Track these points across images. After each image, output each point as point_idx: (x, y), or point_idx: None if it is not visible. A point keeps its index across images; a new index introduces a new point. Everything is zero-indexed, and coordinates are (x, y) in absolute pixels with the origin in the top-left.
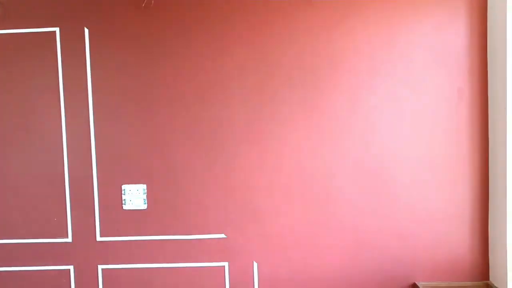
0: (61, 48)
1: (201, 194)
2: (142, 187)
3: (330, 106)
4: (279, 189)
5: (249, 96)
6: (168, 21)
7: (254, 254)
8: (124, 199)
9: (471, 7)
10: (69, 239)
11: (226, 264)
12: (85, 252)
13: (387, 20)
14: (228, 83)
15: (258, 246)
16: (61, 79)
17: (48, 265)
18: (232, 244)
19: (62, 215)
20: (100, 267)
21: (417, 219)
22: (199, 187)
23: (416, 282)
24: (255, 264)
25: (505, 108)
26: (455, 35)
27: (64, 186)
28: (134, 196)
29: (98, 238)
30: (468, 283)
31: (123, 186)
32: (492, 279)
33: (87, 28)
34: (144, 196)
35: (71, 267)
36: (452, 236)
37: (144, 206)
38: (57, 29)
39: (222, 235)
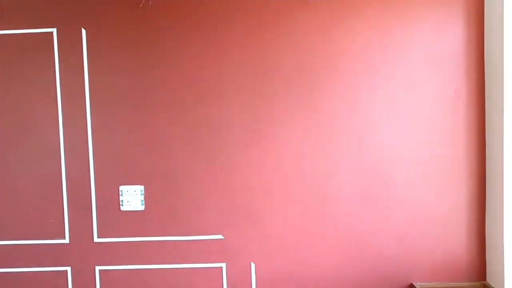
0: (58, 49)
1: (199, 195)
2: (139, 188)
3: (328, 107)
4: (277, 190)
5: (247, 97)
6: (166, 22)
7: (252, 255)
8: (122, 200)
9: (468, 8)
10: (66, 240)
11: (223, 265)
12: (82, 253)
13: (385, 21)
14: (226, 84)
15: (256, 247)
16: (58, 80)
17: (45, 266)
18: (230, 245)
19: (59, 216)
20: (97, 268)
21: (414, 220)
22: (197, 188)
23: (414, 283)
24: (253, 265)
25: (502, 109)
26: (453, 35)
27: (61, 187)
28: (132, 197)
29: (96, 239)
30: (465, 284)
31: (121, 187)
32: (489, 279)
33: (85, 29)
34: (142, 197)
35: (68, 268)
36: (449, 237)
37: (142, 207)
38: (54, 30)
39: (220, 236)
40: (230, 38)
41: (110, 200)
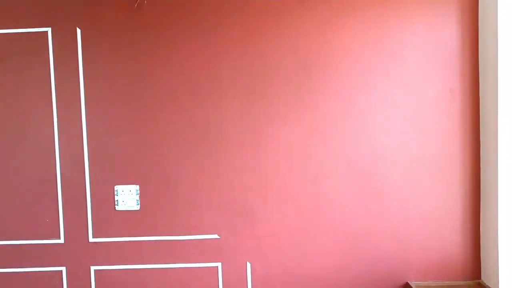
0: (53, 48)
1: (194, 195)
2: (135, 188)
3: (324, 107)
4: (273, 190)
5: (242, 96)
6: (161, 21)
7: (247, 254)
8: (117, 200)
9: (463, 8)
10: (61, 240)
11: (219, 264)
12: (77, 253)
13: (381, 21)
14: (221, 83)
15: (251, 246)
16: (53, 79)
17: (40, 267)
18: (225, 244)
19: (54, 216)
20: (92, 268)
21: (409, 219)
22: (192, 187)
23: (409, 282)
24: (249, 264)
25: (496, 109)
26: (447, 35)
27: (56, 187)
28: (127, 197)
29: (91, 239)
30: (461, 282)
31: (116, 187)
32: (484, 278)
33: (79, 28)
34: (137, 197)
35: (63, 268)
36: (444, 236)
37: (137, 207)
38: (49, 29)
39: (215, 236)
40: (227, 38)
41: (105, 199)
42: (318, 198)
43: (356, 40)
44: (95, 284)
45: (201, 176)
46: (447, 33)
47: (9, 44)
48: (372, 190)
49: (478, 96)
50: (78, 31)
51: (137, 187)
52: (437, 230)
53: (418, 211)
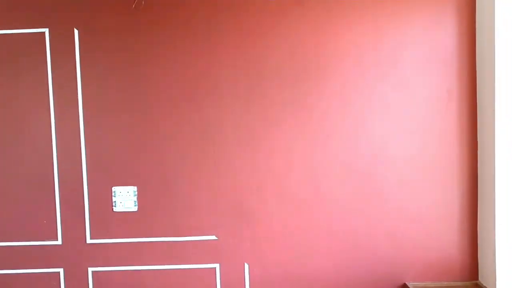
0: (50, 49)
1: (192, 196)
2: (132, 189)
3: (320, 107)
4: (270, 190)
5: (239, 97)
6: (159, 22)
7: (245, 255)
8: (115, 201)
9: (460, 8)
10: (59, 242)
11: (217, 265)
12: (75, 255)
13: (378, 21)
14: (219, 84)
15: (249, 247)
16: (51, 80)
17: (37, 268)
18: (223, 245)
19: (52, 217)
20: (90, 269)
21: (407, 220)
22: (190, 188)
23: (406, 282)
24: (247, 266)
25: (493, 109)
26: (444, 35)
27: (54, 188)
28: (125, 198)
29: (88, 240)
30: (458, 283)
31: (113, 188)
32: (481, 279)
33: (77, 29)
34: (135, 198)
35: (61, 270)
36: (442, 237)
37: (135, 208)
38: (46, 30)
39: (213, 237)
40: (220, 37)
41: (103, 201)
42: (317, 199)
43: (354, 41)
44: (92, 286)
45: (199, 177)
46: (444, 33)
47: (6, 44)
48: (370, 191)
49: (476, 97)
50: (76, 32)
51: (135, 188)
52: (434, 230)
53: (416, 212)
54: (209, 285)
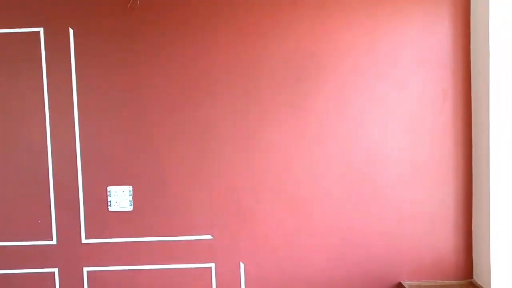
0: (45, 48)
1: (188, 195)
2: (127, 189)
3: (317, 107)
4: (266, 190)
5: (236, 97)
6: (154, 22)
7: (241, 255)
8: (110, 201)
9: (455, 9)
10: (54, 241)
11: (212, 265)
12: (70, 255)
13: (374, 21)
14: (215, 84)
15: (244, 247)
16: (45, 79)
17: (32, 268)
18: (219, 245)
19: (47, 217)
20: (85, 269)
21: (402, 219)
22: (185, 188)
23: (402, 281)
24: (242, 265)
25: (488, 109)
26: (439, 36)
27: (49, 187)
28: (120, 198)
29: (83, 240)
30: (453, 282)
31: (109, 188)
32: (476, 277)
33: (72, 28)
34: (130, 198)
35: (56, 270)
36: (437, 236)
37: (130, 208)
38: (41, 29)
39: (209, 236)
40: (217, 37)
41: (98, 200)
42: (312, 198)
43: (350, 41)
44: (88, 285)
45: (194, 177)
46: (440, 34)
47: (0, 44)
48: (365, 190)
49: (470, 97)
50: (71, 31)
51: (130, 187)
52: (429, 229)
53: (411, 211)
54: (204, 285)
